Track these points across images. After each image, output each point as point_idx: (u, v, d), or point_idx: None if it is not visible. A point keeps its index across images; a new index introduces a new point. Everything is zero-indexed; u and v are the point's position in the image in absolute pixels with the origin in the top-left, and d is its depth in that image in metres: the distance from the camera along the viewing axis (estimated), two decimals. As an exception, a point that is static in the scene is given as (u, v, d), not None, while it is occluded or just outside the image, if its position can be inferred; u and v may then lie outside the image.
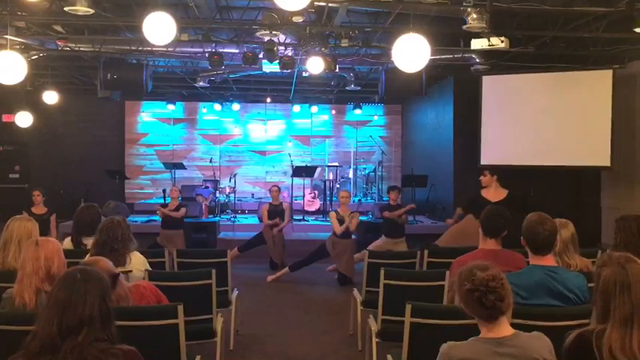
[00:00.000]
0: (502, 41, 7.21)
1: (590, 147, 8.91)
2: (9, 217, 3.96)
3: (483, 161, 9.80)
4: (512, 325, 2.34)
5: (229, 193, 12.31)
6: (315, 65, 8.21)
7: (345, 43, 7.97)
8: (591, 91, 8.92)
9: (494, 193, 6.78)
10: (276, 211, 8.98)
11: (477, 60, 9.02)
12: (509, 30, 7.30)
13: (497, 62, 9.10)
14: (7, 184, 13.72)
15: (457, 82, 10.67)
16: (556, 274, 3.09)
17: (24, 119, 11.72)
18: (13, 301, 2.91)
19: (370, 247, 7.35)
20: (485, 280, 2.23)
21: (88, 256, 3.81)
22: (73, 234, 4.75)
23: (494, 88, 9.69)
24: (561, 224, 3.65)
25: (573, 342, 2.25)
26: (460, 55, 8.71)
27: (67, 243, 4.74)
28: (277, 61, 8.54)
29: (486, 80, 9.70)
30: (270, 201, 9.16)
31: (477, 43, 7.35)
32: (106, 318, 2.12)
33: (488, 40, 7.20)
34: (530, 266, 3.18)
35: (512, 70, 9.47)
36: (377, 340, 4.19)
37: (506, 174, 9.73)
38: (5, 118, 13.51)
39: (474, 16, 6.32)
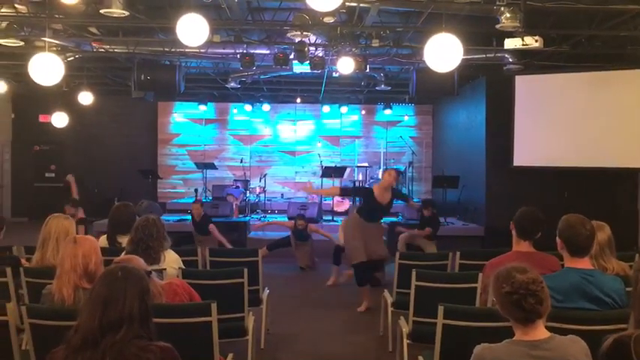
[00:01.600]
0: (536, 40, 7.10)
1: (627, 148, 8.72)
2: (46, 214, 4.05)
3: (516, 162, 9.69)
4: (547, 329, 2.30)
5: (259, 193, 12.39)
6: (345, 65, 8.21)
7: (375, 43, 7.96)
8: (628, 90, 8.74)
9: (386, 194, 6.62)
10: (301, 235, 9.07)
11: (510, 59, 8.90)
12: (543, 29, 7.20)
13: (530, 62, 8.98)
14: (44, 183, 14.08)
15: (489, 82, 10.55)
16: (592, 278, 3.03)
17: (60, 119, 12.00)
18: (52, 297, 2.98)
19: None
20: (525, 283, 2.21)
21: (123, 254, 3.89)
22: (108, 232, 4.83)
23: (527, 88, 9.56)
24: (598, 226, 3.57)
25: (611, 347, 2.21)
26: (493, 55, 8.62)
27: (103, 241, 4.82)
28: (308, 61, 8.57)
29: (519, 80, 9.57)
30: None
31: (511, 43, 7.25)
32: (145, 316, 2.16)
33: (522, 40, 7.10)
34: (566, 269, 3.12)
35: (546, 70, 9.33)
36: (408, 341, 4.17)
37: (539, 176, 9.66)
38: (42, 118, 13.86)
39: (508, 15, 6.24)
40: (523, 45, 7.16)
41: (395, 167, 13.88)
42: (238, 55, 8.63)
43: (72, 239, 3.09)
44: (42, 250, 3.87)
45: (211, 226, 8.84)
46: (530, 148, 9.65)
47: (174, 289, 3.19)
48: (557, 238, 3.15)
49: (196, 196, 10.09)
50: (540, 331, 2.24)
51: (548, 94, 9.39)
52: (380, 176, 13.57)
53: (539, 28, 7.14)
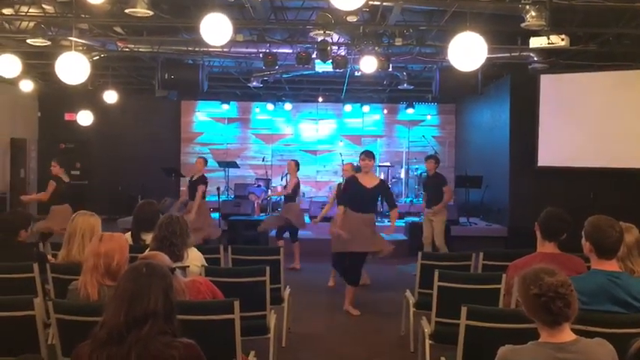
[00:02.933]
0: (562, 39, 7.01)
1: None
2: (72, 212, 4.12)
3: (541, 162, 9.58)
4: (573, 331, 2.27)
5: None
6: (368, 64, 8.19)
7: (399, 41, 7.92)
8: (657, 90, 8.58)
9: (369, 179, 6.55)
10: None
11: (535, 58, 8.80)
12: (569, 27, 7.10)
13: (556, 60, 8.86)
14: (69, 181, 14.27)
15: (514, 81, 10.44)
16: (619, 280, 2.98)
17: (85, 118, 12.19)
18: (78, 292, 3.02)
19: None
20: (554, 286, 2.17)
21: (147, 251, 3.92)
22: (133, 229, 4.87)
23: (553, 88, 9.43)
24: (625, 228, 3.49)
25: (639, 350, 2.17)
26: (517, 54, 8.53)
27: (127, 238, 4.87)
28: (330, 60, 8.57)
29: (545, 79, 9.46)
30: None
31: (536, 42, 7.17)
32: (169, 312, 2.18)
33: (548, 38, 7.01)
34: (593, 270, 3.07)
35: (572, 69, 9.20)
36: (430, 342, 4.14)
37: (564, 176, 9.53)
38: (67, 116, 14.08)
39: (533, 13, 6.16)
40: (549, 44, 7.07)
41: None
42: (261, 55, 8.67)
43: (98, 237, 3.12)
44: (68, 246, 3.93)
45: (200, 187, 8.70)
46: (556, 148, 9.53)
47: (197, 287, 3.21)
48: (583, 240, 3.10)
49: (218, 194, 10.12)
50: (566, 334, 2.21)
51: (574, 93, 9.25)
52: (401, 174, 13.53)
53: (566, 27, 7.05)
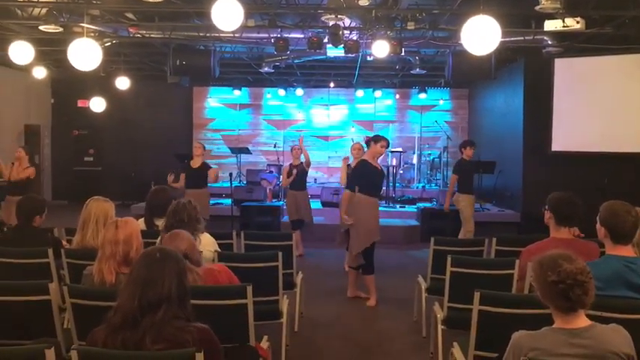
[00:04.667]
0: (577, 22, 6.91)
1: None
2: (86, 197, 4.14)
3: (554, 147, 9.50)
4: (587, 317, 2.25)
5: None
6: (380, 49, 8.12)
7: (411, 25, 7.85)
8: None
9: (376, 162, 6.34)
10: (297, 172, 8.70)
11: (550, 42, 8.68)
12: (584, 10, 6.98)
13: (570, 44, 8.73)
14: (82, 167, 14.40)
15: (528, 66, 10.32)
16: (635, 265, 2.95)
17: (98, 104, 12.24)
18: (92, 278, 3.05)
19: None
20: (573, 274, 2.15)
21: (159, 238, 3.94)
22: (146, 215, 4.91)
23: (567, 72, 9.32)
24: (640, 213, 3.48)
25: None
26: (531, 37, 8.42)
27: (141, 224, 4.90)
28: (342, 45, 8.51)
29: (559, 63, 9.34)
30: (292, 162, 8.87)
31: (551, 25, 7.07)
32: (183, 296, 2.20)
33: (563, 21, 6.92)
34: (607, 256, 3.05)
35: (587, 53, 9.06)
36: (442, 327, 4.15)
37: (578, 161, 9.44)
38: (80, 103, 14.15)
39: (548, -4, 6.08)
40: (564, 27, 6.98)
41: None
42: (272, 40, 8.62)
43: (114, 224, 3.12)
44: (82, 231, 3.96)
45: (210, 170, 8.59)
46: (569, 133, 9.43)
47: (215, 276, 3.19)
48: (598, 225, 3.07)
49: (231, 179, 10.12)
50: (581, 320, 2.20)
51: (589, 77, 9.13)
52: (413, 159, 13.47)
53: (581, 9, 6.95)
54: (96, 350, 2.15)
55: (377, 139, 6.26)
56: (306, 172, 8.82)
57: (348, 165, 7.30)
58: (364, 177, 6.19)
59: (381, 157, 6.39)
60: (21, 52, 6.66)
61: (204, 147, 8.98)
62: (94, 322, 2.27)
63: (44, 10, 7.75)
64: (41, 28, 8.03)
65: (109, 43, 9.25)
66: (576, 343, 2.15)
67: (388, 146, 6.41)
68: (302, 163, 8.72)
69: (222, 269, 3.29)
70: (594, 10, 7.12)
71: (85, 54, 5.67)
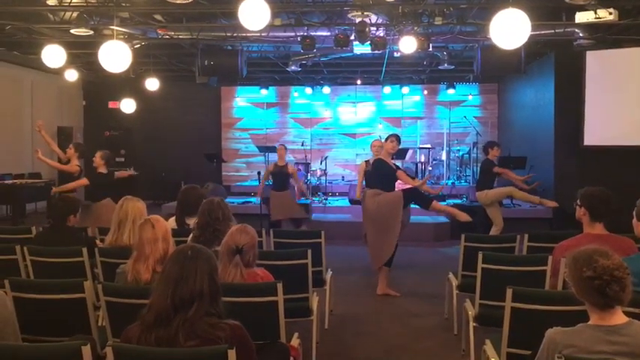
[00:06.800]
0: (610, 13, 6.75)
1: None
2: (118, 198, 4.21)
3: (587, 142, 9.32)
4: (624, 313, 2.20)
5: (320, 175, 12.43)
6: (407, 45, 8.07)
7: (438, 21, 7.77)
8: None
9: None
10: (281, 173, 8.83)
11: (581, 34, 8.50)
12: (617, 0, 6.82)
13: (603, 36, 8.54)
14: (114, 168, 14.60)
15: (558, 59, 10.15)
16: (672, 261, 2.88)
17: (128, 106, 12.41)
18: (125, 276, 3.10)
19: None
20: (610, 269, 2.10)
21: (190, 236, 3.99)
22: (177, 214, 4.97)
23: (599, 64, 9.13)
24: (678, 209, 3.39)
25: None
26: (562, 30, 8.26)
27: (172, 222, 4.96)
28: (368, 42, 8.47)
29: (591, 56, 9.16)
30: (276, 161, 8.96)
31: (582, 17, 6.92)
32: (215, 293, 2.22)
33: (595, 13, 6.77)
34: (644, 252, 2.98)
35: (620, 45, 8.86)
36: (474, 324, 4.11)
37: (611, 155, 9.24)
38: (111, 104, 14.37)
39: (579, -13, 5.96)
40: (596, 18, 6.83)
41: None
42: (299, 38, 8.64)
43: (149, 223, 3.15)
44: (118, 231, 4.02)
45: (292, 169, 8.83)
46: (602, 127, 9.25)
47: (256, 280, 3.20)
48: (634, 220, 3.00)
49: (259, 178, 10.18)
50: (618, 316, 2.15)
51: (621, 69, 8.93)
52: (442, 156, 13.35)
53: (613, 0, 6.78)
54: (130, 347, 2.18)
55: (387, 138, 6.65)
56: (289, 175, 8.95)
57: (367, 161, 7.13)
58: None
59: (394, 151, 6.62)
60: (53, 55, 6.79)
61: (285, 148, 9.20)
62: (127, 319, 2.31)
63: (75, 14, 7.90)
64: (72, 31, 8.19)
65: (139, 45, 9.38)
66: (614, 341, 2.10)
67: (399, 141, 6.68)
68: (287, 164, 8.91)
69: (265, 275, 3.26)
70: (627, 1, 6.95)
71: (115, 56, 5.74)
